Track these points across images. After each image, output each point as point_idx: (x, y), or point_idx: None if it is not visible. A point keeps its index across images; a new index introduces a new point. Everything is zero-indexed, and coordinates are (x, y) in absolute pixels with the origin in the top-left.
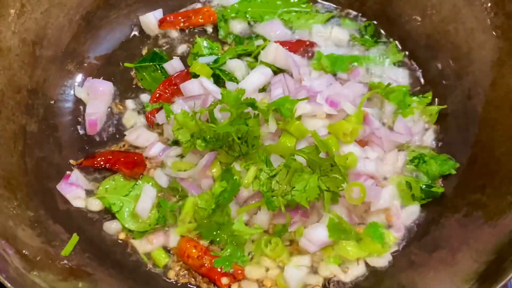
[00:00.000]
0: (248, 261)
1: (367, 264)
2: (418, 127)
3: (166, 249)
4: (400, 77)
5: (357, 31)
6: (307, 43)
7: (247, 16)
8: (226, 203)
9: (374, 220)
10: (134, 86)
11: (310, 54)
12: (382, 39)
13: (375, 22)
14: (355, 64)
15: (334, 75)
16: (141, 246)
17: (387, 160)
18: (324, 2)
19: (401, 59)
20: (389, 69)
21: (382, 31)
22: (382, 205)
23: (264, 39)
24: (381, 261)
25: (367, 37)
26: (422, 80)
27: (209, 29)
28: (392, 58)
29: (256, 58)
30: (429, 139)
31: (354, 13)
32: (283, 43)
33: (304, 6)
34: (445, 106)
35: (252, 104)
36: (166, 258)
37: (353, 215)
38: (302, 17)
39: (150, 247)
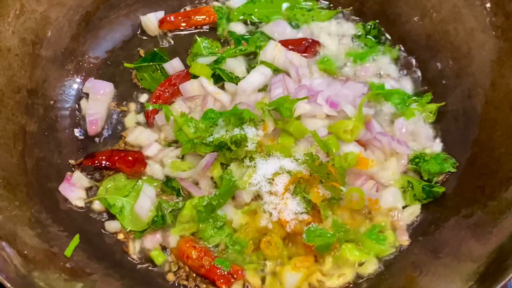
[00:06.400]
0: (248, 263)
1: (367, 265)
2: (426, 132)
3: (165, 249)
4: (400, 78)
5: (361, 31)
6: (310, 40)
7: (254, 18)
8: (220, 205)
9: (376, 220)
10: (134, 86)
11: (313, 53)
12: (384, 40)
13: (378, 21)
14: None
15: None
16: (140, 246)
17: (388, 164)
18: (326, 2)
19: (397, 58)
20: (390, 69)
21: (385, 33)
22: (384, 206)
23: (268, 38)
24: (381, 261)
25: (369, 37)
26: (422, 80)
27: (209, 29)
28: (391, 57)
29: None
30: (437, 148)
31: (356, 11)
32: (285, 42)
33: (310, 4)
34: (443, 103)
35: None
36: (163, 257)
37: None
38: (306, 14)
39: (149, 247)
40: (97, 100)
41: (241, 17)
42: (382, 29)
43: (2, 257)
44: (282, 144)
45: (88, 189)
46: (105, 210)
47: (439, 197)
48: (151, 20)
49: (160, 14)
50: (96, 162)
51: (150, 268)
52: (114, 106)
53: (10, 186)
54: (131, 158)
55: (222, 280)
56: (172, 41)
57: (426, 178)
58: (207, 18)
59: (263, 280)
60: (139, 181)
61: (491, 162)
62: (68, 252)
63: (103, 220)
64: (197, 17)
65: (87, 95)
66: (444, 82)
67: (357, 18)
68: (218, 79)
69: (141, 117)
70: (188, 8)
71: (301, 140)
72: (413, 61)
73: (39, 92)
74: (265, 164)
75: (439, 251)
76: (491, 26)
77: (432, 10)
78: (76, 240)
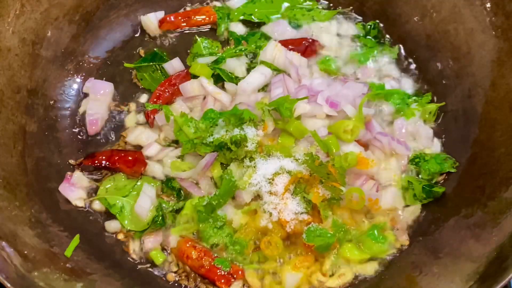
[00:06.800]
0: (248, 263)
1: (367, 265)
2: (426, 132)
3: (165, 249)
4: (400, 78)
5: (361, 31)
6: (310, 40)
7: (253, 18)
8: (220, 205)
9: (376, 220)
10: (134, 86)
11: (313, 53)
12: (384, 41)
13: (378, 21)
14: (366, 60)
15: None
16: (140, 246)
17: (388, 164)
18: (326, 2)
19: (397, 58)
20: (390, 69)
21: (385, 33)
22: (384, 206)
23: (268, 38)
24: (381, 261)
25: (369, 37)
26: (422, 80)
27: (209, 29)
28: (391, 57)
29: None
30: (437, 148)
31: (356, 11)
32: (285, 42)
33: (310, 4)
34: (443, 103)
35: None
36: (163, 257)
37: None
38: (306, 14)
39: (149, 247)
40: (97, 100)
41: (241, 17)
42: (382, 28)
43: (2, 257)
44: (282, 144)
45: (88, 189)
46: (105, 210)
47: (439, 197)
48: (151, 20)
49: (160, 14)
50: (96, 162)
51: (150, 268)
52: (114, 106)
53: (10, 186)
54: (131, 158)
55: (222, 280)
56: (172, 41)
57: (426, 178)
58: (207, 18)
59: (263, 280)
60: (139, 181)
61: (491, 162)
62: (68, 252)
63: (104, 219)
64: (197, 17)
65: (87, 95)
66: (444, 82)
67: (357, 18)
68: (218, 79)
69: (141, 117)
70: (188, 8)
71: (301, 140)
72: (413, 61)
73: (39, 92)
74: (265, 164)
75: (439, 251)
76: (491, 26)
77: (432, 10)
78: (76, 240)
